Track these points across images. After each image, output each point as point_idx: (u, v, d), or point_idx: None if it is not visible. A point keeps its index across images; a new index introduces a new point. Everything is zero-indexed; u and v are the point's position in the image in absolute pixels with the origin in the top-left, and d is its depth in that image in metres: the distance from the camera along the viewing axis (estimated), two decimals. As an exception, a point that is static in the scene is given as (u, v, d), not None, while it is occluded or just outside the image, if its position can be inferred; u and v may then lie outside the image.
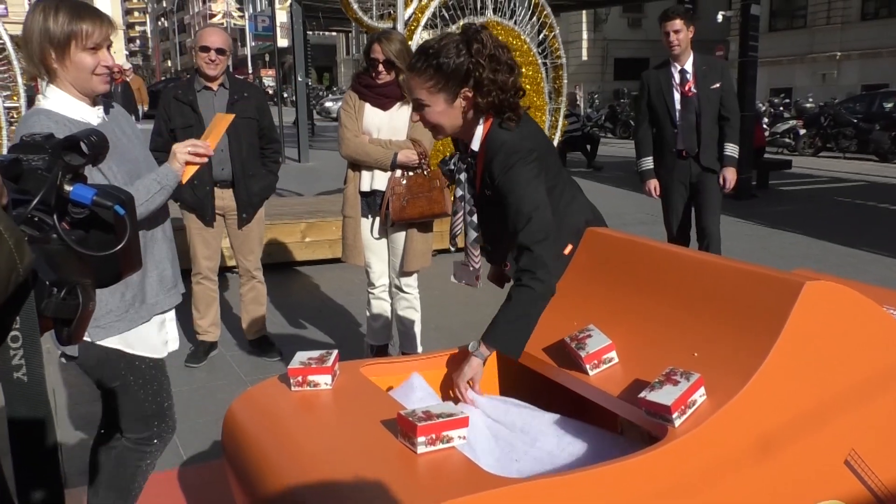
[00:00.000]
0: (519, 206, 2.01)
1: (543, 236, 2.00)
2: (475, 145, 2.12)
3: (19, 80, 5.36)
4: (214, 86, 4.08)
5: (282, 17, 31.91)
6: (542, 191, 2.06)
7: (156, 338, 2.17)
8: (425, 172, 3.62)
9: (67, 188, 0.86)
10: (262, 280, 4.41)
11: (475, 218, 2.22)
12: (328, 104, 30.97)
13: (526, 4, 7.55)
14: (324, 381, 1.84)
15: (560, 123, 8.26)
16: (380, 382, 1.97)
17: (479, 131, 2.10)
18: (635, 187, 5.13)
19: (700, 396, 1.62)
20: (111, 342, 2.06)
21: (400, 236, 3.72)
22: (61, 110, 1.98)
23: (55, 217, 0.84)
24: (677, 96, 4.71)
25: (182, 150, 2.13)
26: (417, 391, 1.95)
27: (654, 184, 4.90)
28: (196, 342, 4.41)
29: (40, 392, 0.79)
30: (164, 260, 2.18)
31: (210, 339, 4.41)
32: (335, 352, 1.90)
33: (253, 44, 50.75)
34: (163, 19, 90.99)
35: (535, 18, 7.66)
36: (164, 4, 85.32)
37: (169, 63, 78.61)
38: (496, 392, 2.19)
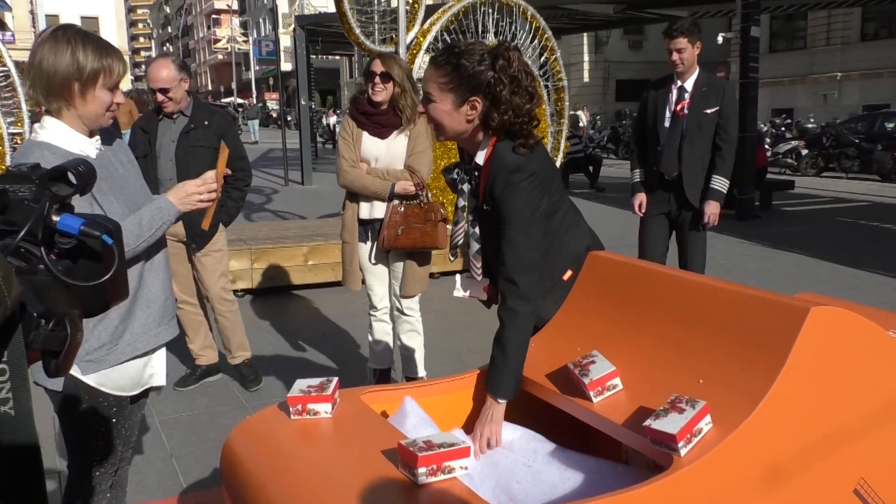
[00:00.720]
0: (513, 238, 2.00)
1: (531, 271, 2.00)
2: (479, 159, 2.10)
3: (23, 106, 5.39)
4: (175, 114, 4.02)
5: (286, 41, 32.22)
6: (539, 223, 2.04)
7: (137, 374, 2.11)
8: (422, 203, 3.60)
9: (55, 218, 0.85)
10: (230, 309, 4.27)
11: (477, 229, 2.20)
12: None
13: (527, 28, 7.60)
14: (324, 409, 1.81)
15: (562, 145, 8.28)
16: (380, 410, 1.94)
17: (485, 145, 2.08)
18: (638, 209, 5.00)
19: (706, 424, 1.59)
20: (88, 377, 2.01)
21: (399, 260, 3.71)
22: (60, 143, 1.94)
23: (42, 248, 0.82)
24: (668, 114, 4.44)
25: (194, 190, 2.08)
26: (411, 417, 1.91)
27: (640, 199, 4.57)
28: (193, 366, 4.38)
29: (27, 426, 0.77)
30: (158, 292, 2.13)
31: (204, 362, 4.35)
32: (335, 379, 1.87)
33: (257, 68, 51.17)
34: (168, 45, 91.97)
35: (536, 41, 7.71)
36: (170, 30, 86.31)
37: (174, 87, 79.09)
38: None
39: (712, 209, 4.33)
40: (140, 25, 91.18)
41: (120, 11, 53.07)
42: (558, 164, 8.09)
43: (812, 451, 1.66)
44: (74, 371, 1.99)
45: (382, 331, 3.89)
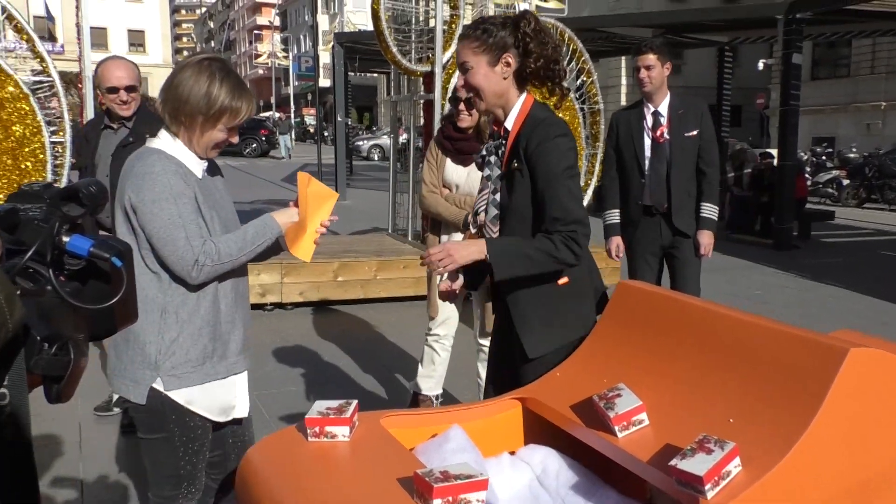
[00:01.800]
0: (556, 192, 2.08)
1: (579, 224, 2.06)
2: (509, 122, 2.21)
3: (65, 115, 5.49)
4: (115, 124, 3.63)
5: (325, 58, 32.67)
6: (576, 183, 2.14)
7: (222, 399, 2.10)
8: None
9: (65, 239, 0.83)
10: None
11: (497, 196, 2.25)
12: (359, 143, 31.29)
13: (564, 50, 7.58)
14: (341, 432, 1.77)
15: (597, 169, 8.21)
16: (401, 435, 1.90)
17: (518, 107, 2.20)
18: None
19: (735, 467, 1.52)
20: (174, 394, 2.00)
21: (479, 300, 3.66)
22: (173, 153, 1.99)
23: (50, 269, 0.80)
24: (647, 142, 4.06)
25: (295, 211, 2.09)
26: (451, 442, 1.87)
27: (616, 242, 4.19)
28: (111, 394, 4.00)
29: (25, 455, 0.74)
30: (248, 318, 2.16)
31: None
32: (354, 402, 1.84)
33: (296, 83, 51.92)
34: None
35: (573, 64, 7.68)
36: (213, 45, 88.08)
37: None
38: (520, 442, 2.11)
39: (707, 239, 4.05)
40: (184, 39, 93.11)
41: (165, 25, 54.23)
42: (591, 188, 8.02)
43: (846, 499, 1.58)
44: (158, 385, 1.98)
45: (430, 356, 3.85)
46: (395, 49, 6.73)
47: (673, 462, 1.53)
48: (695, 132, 4.03)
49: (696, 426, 1.66)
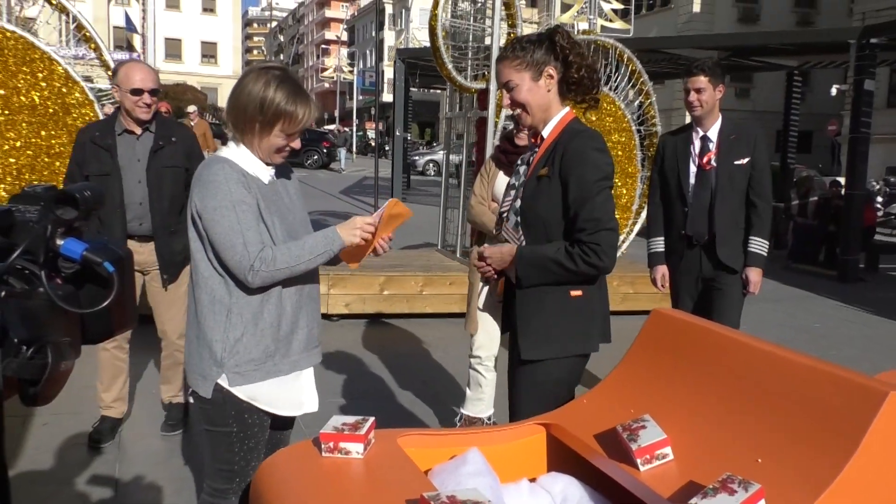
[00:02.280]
0: (589, 201, 2.11)
1: (610, 231, 2.11)
2: (546, 131, 2.27)
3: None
4: (138, 129, 3.53)
5: (390, 73, 33.13)
6: (610, 195, 2.17)
7: (287, 394, 2.15)
8: None
9: (59, 241, 0.84)
10: (182, 349, 3.61)
11: (518, 203, 2.29)
12: (415, 158, 31.23)
13: (623, 71, 7.49)
14: (355, 449, 1.76)
15: (652, 191, 8.06)
16: (418, 455, 1.87)
17: (557, 118, 2.26)
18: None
19: (759, 511, 1.45)
20: (238, 390, 2.06)
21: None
22: (239, 162, 2.05)
23: (43, 271, 0.81)
24: (693, 168, 3.77)
25: (361, 224, 2.11)
26: (468, 466, 1.84)
27: (661, 271, 3.96)
28: (100, 417, 3.78)
29: None
30: (313, 318, 2.21)
31: (114, 415, 3.78)
32: (371, 419, 1.83)
33: (360, 98, 52.76)
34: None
35: (631, 85, 7.58)
36: (282, 58, 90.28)
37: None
38: (543, 469, 2.06)
39: (755, 276, 3.72)
40: (255, 52, 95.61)
41: (237, 38, 55.93)
42: (646, 212, 7.88)
43: (882, 553, 1.48)
44: (223, 381, 2.05)
45: (476, 378, 3.81)
46: (450, 65, 6.76)
47: (693, 501, 1.47)
48: (745, 160, 3.72)
49: (721, 464, 1.59)
